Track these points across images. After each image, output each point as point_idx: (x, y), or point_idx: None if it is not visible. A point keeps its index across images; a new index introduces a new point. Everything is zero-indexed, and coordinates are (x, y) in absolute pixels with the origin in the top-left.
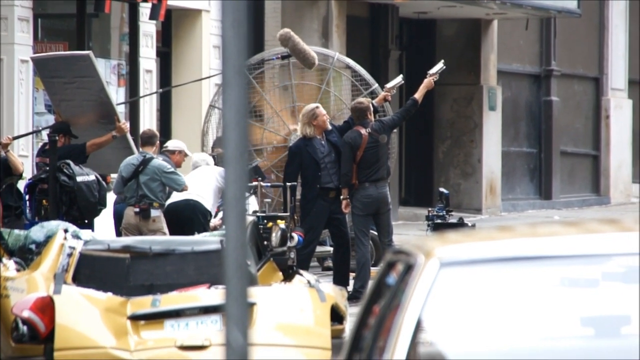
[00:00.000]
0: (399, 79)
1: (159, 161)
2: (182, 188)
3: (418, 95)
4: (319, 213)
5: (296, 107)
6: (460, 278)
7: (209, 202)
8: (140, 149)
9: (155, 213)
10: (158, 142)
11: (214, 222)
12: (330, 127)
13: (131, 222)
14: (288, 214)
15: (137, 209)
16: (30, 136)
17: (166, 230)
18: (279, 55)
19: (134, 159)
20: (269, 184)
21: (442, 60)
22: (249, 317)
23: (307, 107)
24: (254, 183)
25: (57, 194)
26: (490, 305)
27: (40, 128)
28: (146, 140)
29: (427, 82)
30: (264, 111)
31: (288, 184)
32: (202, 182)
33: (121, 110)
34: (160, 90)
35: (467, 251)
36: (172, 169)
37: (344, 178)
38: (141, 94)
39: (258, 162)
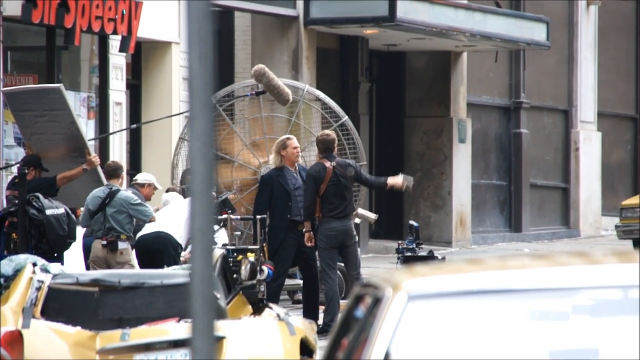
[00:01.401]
0: (410, 180)
1: (125, 193)
2: (149, 219)
3: (390, 181)
4: (288, 246)
5: (266, 139)
6: (428, 311)
7: (180, 234)
8: (106, 182)
9: (122, 245)
10: (123, 174)
11: (184, 255)
12: (300, 160)
13: (99, 255)
14: (258, 247)
15: (104, 242)
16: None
17: (134, 262)
18: (253, 92)
19: (100, 191)
20: (238, 217)
21: (412, 178)
22: (217, 351)
23: (281, 137)
24: (224, 216)
25: (27, 228)
26: (458, 338)
27: (12, 162)
28: (111, 172)
29: (399, 183)
30: (233, 147)
31: (258, 216)
32: (172, 215)
33: (91, 143)
34: (133, 125)
35: (435, 284)
36: (139, 201)
37: (307, 211)
38: (111, 126)
39: (228, 194)
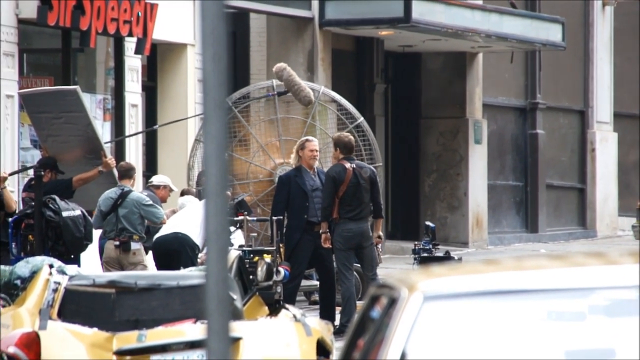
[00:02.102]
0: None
1: (137, 194)
2: (160, 221)
3: (379, 228)
4: (304, 247)
5: (282, 141)
6: (444, 312)
7: (197, 235)
8: (118, 182)
9: (135, 246)
10: (135, 174)
11: (201, 256)
12: (316, 165)
13: (111, 256)
14: (274, 248)
15: (117, 242)
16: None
17: (147, 263)
18: (275, 92)
19: (112, 192)
20: (255, 218)
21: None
22: (234, 352)
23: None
24: (240, 217)
25: (43, 229)
26: (474, 339)
27: (28, 164)
28: (123, 173)
29: (380, 236)
30: (249, 141)
31: (274, 217)
32: (189, 216)
33: (107, 145)
34: (156, 126)
35: (451, 285)
36: (151, 202)
37: (324, 212)
38: (127, 128)
39: (244, 196)
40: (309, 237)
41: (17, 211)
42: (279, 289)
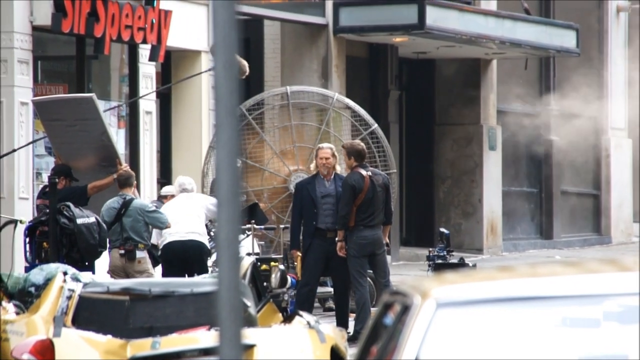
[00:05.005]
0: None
1: (139, 201)
2: (165, 226)
3: (386, 235)
4: (315, 252)
5: (296, 147)
6: (457, 319)
7: (206, 239)
8: (119, 192)
9: (140, 254)
10: (135, 182)
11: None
12: (326, 172)
13: (117, 264)
14: (282, 255)
15: (122, 251)
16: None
17: (152, 271)
18: (208, 69)
19: (115, 202)
20: (262, 227)
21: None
22: (248, 359)
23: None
24: (247, 225)
25: (58, 237)
26: (488, 346)
27: (17, 147)
28: (124, 182)
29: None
30: (263, 149)
31: (282, 226)
32: (198, 219)
33: (122, 152)
34: (164, 87)
35: (465, 292)
36: (154, 208)
37: (342, 220)
38: (141, 135)
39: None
40: (319, 242)
41: (25, 218)
42: (286, 296)
